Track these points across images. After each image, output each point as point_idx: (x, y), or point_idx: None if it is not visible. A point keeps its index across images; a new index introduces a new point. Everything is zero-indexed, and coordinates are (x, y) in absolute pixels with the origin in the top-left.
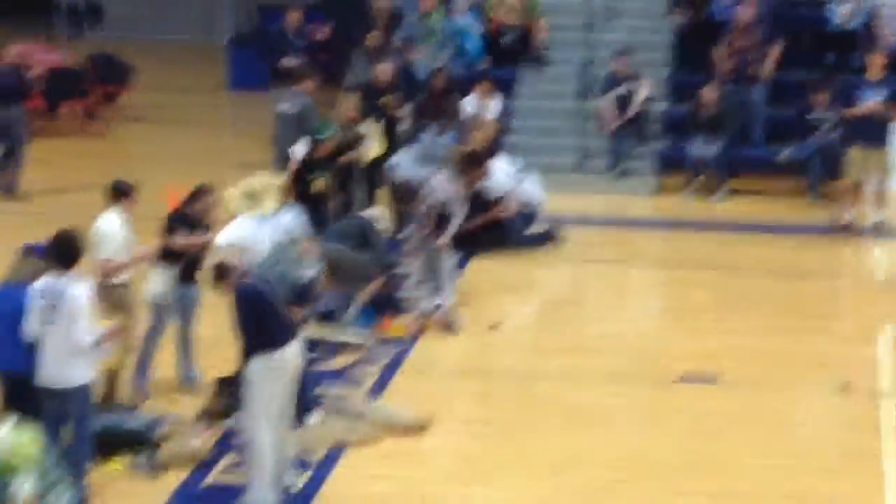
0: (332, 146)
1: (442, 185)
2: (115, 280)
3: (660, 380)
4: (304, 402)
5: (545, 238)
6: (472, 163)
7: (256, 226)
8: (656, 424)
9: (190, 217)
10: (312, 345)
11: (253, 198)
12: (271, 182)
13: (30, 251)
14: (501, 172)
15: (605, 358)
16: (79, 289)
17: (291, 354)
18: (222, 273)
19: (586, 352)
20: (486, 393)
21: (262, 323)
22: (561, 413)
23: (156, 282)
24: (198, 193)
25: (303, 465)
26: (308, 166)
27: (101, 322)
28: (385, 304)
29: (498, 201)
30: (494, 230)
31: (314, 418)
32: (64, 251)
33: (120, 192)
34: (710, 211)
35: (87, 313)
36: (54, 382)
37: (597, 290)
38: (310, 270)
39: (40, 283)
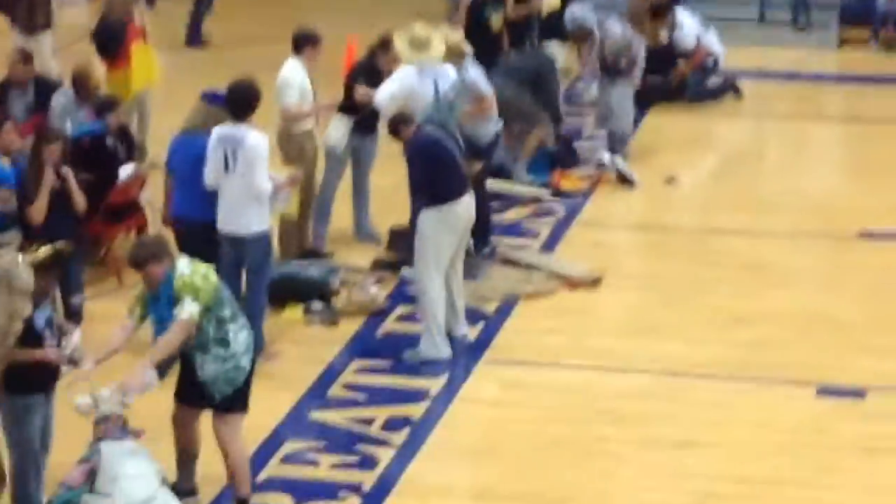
0: None
1: (622, 33)
2: (297, 128)
3: (841, 236)
4: (478, 253)
5: (724, 92)
6: (655, 12)
7: (422, 75)
8: (837, 281)
9: (373, 68)
10: (487, 198)
11: (419, 45)
12: (438, 29)
13: (209, 98)
14: (688, 24)
15: (783, 214)
16: (256, 137)
17: (463, 207)
18: (399, 124)
19: (765, 208)
20: (660, 248)
21: (435, 175)
22: (737, 269)
23: (335, 131)
24: (381, 45)
25: (476, 316)
26: (482, 4)
27: (280, 170)
28: (559, 157)
29: (685, 54)
30: (673, 83)
31: (485, 271)
32: (242, 100)
33: (304, 41)
34: (894, 66)
35: (265, 162)
36: (232, 230)
37: (776, 145)
38: (488, 126)
39: (219, 131)
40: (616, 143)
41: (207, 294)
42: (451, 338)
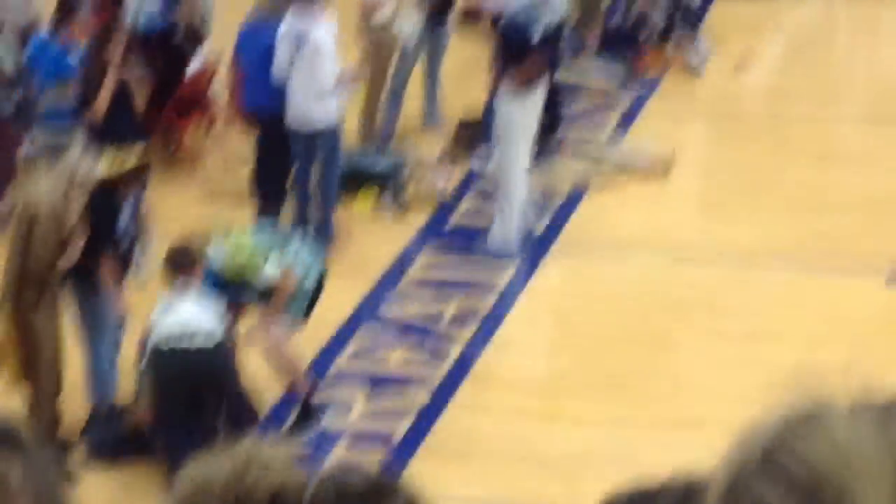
0: None
1: None
2: (373, 20)
3: None
4: (546, 144)
5: None
6: None
7: None
8: None
9: None
10: (557, 88)
11: None
12: None
13: None
14: None
15: (857, 98)
16: (320, 32)
17: (539, 93)
18: (471, 15)
19: (837, 93)
20: (730, 135)
21: (519, 59)
22: (808, 156)
23: (407, 22)
24: None
25: (544, 207)
26: None
27: (347, 62)
28: (626, 43)
29: None
30: None
31: (556, 160)
32: None
33: None
34: None
35: (329, 57)
36: (301, 123)
37: (847, 30)
38: (556, 14)
39: (286, 24)
40: (685, 28)
41: (253, 265)
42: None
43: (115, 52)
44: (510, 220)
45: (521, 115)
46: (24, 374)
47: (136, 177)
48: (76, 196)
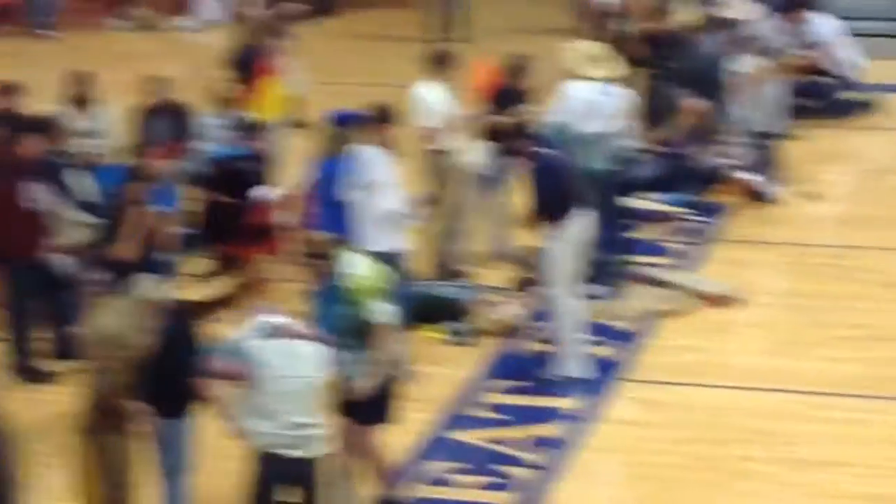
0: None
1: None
2: (435, 148)
3: None
4: (610, 271)
5: (864, 106)
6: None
7: (596, 91)
8: None
9: (514, 91)
10: (628, 214)
11: (595, 61)
12: (606, 50)
13: (337, 120)
14: (823, 24)
15: None
16: (378, 156)
17: (581, 225)
18: (518, 140)
19: None
20: (801, 265)
21: (556, 193)
22: (876, 286)
23: (476, 153)
24: (520, 67)
25: (615, 335)
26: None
27: (414, 190)
28: (702, 175)
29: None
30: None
31: (625, 289)
32: (374, 119)
33: (441, 60)
34: None
35: (397, 181)
36: (368, 248)
37: None
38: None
39: (351, 151)
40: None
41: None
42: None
43: (136, 194)
44: (576, 350)
45: (554, 247)
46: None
47: (218, 307)
48: (149, 321)
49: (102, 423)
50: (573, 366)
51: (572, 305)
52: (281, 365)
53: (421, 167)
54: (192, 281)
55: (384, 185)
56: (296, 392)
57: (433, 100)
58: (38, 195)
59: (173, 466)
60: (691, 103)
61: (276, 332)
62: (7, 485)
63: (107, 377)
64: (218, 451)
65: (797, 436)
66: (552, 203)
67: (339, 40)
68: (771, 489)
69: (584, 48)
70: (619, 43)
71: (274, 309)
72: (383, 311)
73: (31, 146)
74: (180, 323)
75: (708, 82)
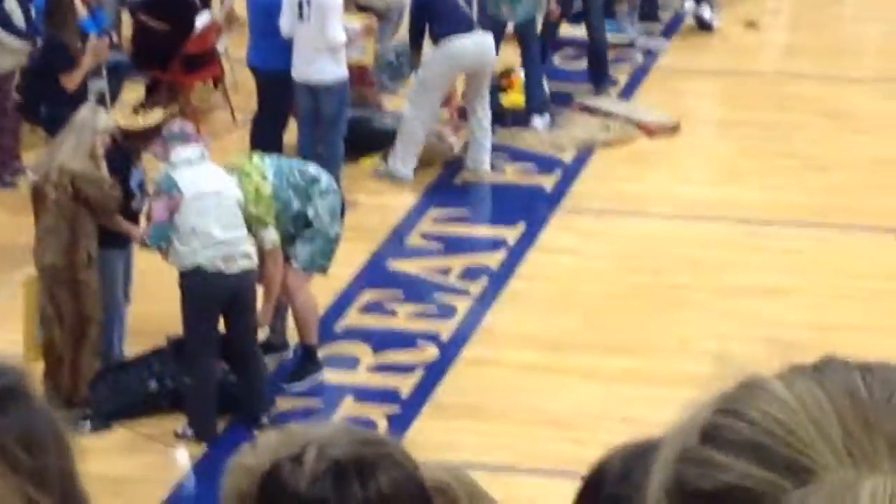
0: None
1: None
2: None
3: None
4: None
5: None
6: None
7: None
8: None
9: None
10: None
11: None
12: None
13: None
14: None
15: (865, 59)
16: None
17: (472, 43)
18: None
19: (846, 53)
20: (739, 94)
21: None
22: (816, 115)
23: None
24: None
25: (553, 165)
26: None
27: (351, 19)
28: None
29: None
30: None
31: (565, 116)
32: None
33: None
34: None
35: (338, 11)
36: (307, 79)
37: None
38: None
39: None
40: None
41: (268, 209)
42: (476, 173)
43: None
44: (407, 153)
45: (436, 65)
46: (71, 334)
47: (154, 135)
48: (99, 150)
49: (81, 255)
50: (404, 170)
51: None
52: (196, 182)
53: None
54: (128, 109)
55: (325, 14)
56: (215, 208)
57: None
58: None
59: (105, 286)
60: None
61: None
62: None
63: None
64: (152, 284)
65: (734, 265)
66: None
67: None
68: (703, 316)
69: None
70: None
71: (188, 137)
72: (269, 239)
73: None
74: (119, 152)
75: None
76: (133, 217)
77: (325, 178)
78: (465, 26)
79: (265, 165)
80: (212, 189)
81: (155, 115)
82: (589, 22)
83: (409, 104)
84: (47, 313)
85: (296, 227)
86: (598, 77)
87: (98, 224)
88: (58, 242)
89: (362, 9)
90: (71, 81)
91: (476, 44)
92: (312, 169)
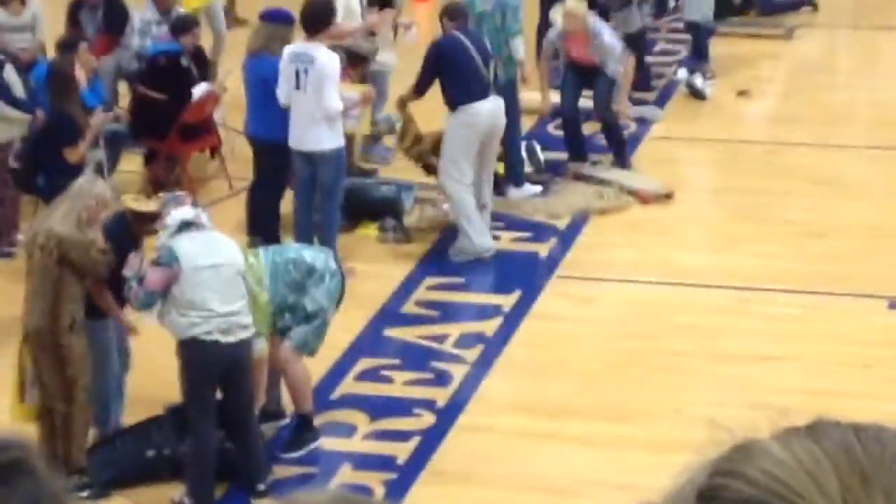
0: None
1: None
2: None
3: None
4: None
5: (798, 4)
6: None
7: None
8: None
9: None
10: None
11: None
12: None
13: (268, 17)
14: None
15: (856, 127)
16: (327, 55)
17: (486, 110)
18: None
19: (839, 120)
20: (732, 161)
21: (459, 76)
22: (809, 183)
23: (388, 53)
24: None
25: (548, 232)
26: None
27: (348, 89)
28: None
29: None
30: None
31: (560, 184)
32: (314, 16)
33: None
34: None
35: (335, 80)
36: (304, 147)
37: (849, 57)
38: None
39: (291, 49)
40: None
41: (263, 319)
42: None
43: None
44: (472, 227)
45: (456, 132)
46: (59, 399)
47: (152, 221)
48: (95, 220)
49: (65, 320)
50: (474, 239)
51: (466, 188)
52: (195, 256)
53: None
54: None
55: (322, 82)
56: (213, 281)
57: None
58: None
59: (100, 357)
60: None
61: (187, 225)
62: None
63: (75, 271)
64: (151, 354)
65: (728, 331)
66: (454, 86)
67: None
68: (698, 382)
69: None
70: None
71: (182, 200)
72: (258, 349)
73: None
74: (127, 233)
75: None
76: (124, 302)
77: (320, 264)
78: (482, 92)
79: (261, 265)
80: (210, 262)
81: (162, 201)
82: (596, 103)
83: (446, 181)
84: (33, 377)
85: (294, 319)
86: (618, 153)
87: (87, 291)
88: (42, 305)
89: (351, 56)
90: (75, 154)
91: (491, 109)
92: (308, 257)
